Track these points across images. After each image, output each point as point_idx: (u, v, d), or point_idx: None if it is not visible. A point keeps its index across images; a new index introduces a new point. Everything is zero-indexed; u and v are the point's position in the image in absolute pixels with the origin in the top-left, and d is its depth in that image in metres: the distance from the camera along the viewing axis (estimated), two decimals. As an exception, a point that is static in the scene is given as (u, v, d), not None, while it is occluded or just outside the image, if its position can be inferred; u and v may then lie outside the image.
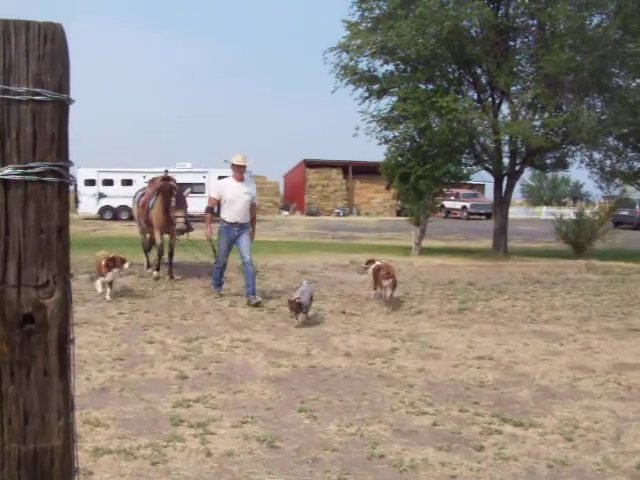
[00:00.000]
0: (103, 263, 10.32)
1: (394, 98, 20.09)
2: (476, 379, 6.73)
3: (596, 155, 23.12)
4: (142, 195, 13.62)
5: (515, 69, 19.55)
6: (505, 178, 21.31)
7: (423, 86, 19.72)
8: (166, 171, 13.61)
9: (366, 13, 19.51)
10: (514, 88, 19.76)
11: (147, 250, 13.71)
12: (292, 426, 5.23)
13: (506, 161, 21.12)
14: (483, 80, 20.63)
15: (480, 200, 50.06)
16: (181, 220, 12.10)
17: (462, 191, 46.99)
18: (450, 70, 20.50)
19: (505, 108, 20.70)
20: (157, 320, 8.97)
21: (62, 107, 1.25)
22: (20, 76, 1.20)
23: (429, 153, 19.13)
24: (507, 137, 19.73)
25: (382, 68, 20.25)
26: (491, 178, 22.58)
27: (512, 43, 20.06)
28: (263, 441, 4.85)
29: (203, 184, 34.48)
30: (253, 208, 10.89)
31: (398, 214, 43.77)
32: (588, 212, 22.68)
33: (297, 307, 8.73)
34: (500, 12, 19.53)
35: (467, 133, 19.35)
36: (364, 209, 52.01)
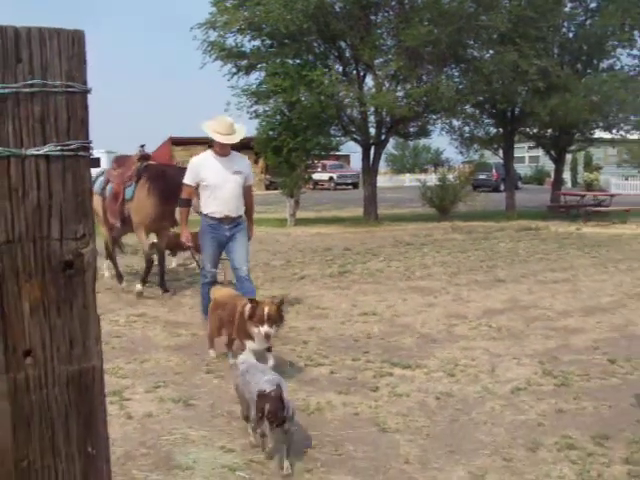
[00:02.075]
0: (248, 313, 5.61)
1: (263, 73, 20.43)
2: (363, 332, 7.33)
3: (455, 122, 24.59)
4: (107, 182, 9.71)
5: (377, 43, 20.30)
6: (372, 148, 22.17)
7: (290, 61, 20.15)
8: (142, 146, 9.86)
9: (232, -11, 19.68)
10: (377, 61, 20.53)
11: (112, 255, 10.39)
12: (202, 386, 5.60)
13: (372, 131, 21.99)
14: (348, 54, 21.32)
15: (346, 171, 51.26)
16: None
17: (329, 162, 47.85)
18: (316, 45, 21.03)
19: (370, 80, 21.52)
20: (47, 302, 8.97)
21: (86, 97, 1.58)
22: (55, 73, 1.51)
23: (299, 126, 19.61)
24: (373, 108, 20.54)
25: (250, 44, 20.55)
26: (357, 148, 23.43)
27: (374, 18, 20.80)
28: (178, 401, 5.18)
29: None
30: (248, 193, 7.39)
31: (267, 188, 44.15)
32: (450, 177, 24.04)
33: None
34: (362, -13, 20.15)
35: (335, 106, 19.98)
36: (233, 184, 52.02)
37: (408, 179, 53.67)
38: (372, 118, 21.68)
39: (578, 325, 7.49)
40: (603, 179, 37.10)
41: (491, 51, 20.65)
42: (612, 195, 25.01)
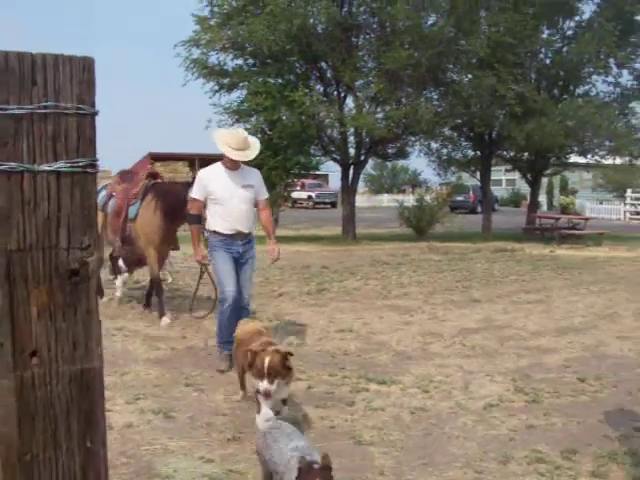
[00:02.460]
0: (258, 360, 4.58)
1: (244, 91, 20.62)
2: (340, 349, 7.45)
3: (434, 144, 24.97)
4: (110, 197, 9.12)
5: (358, 65, 20.53)
6: (351, 168, 22.39)
7: (272, 80, 20.36)
8: (152, 163, 9.21)
9: (216, 9, 19.89)
10: (358, 83, 20.74)
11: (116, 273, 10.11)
12: (182, 399, 5.69)
13: (352, 151, 22.21)
14: (329, 75, 21.53)
15: (325, 190, 51.54)
16: None
17: (307, 181, 48.14)
18: (298, 65, 21.26)
19: (350, 102, 21.71)
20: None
21: (94, 118, 1.72)
22: (67, 96, 1.64)
23: (280, 145, 19.78)
24: (352, 129, 20.78)
25: (232, 62, 20.74)
26: (336, 168, 23.64)
27: (355, 40, 21.06)
28: (158, 413, 5.27)
29: None
30: (264, 210, 6.97)
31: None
32: (428, 198, 24.34)
33: None
34: (344, 10, 20.42)
35: (315, 126, 20.18)
36: (213, 201, 51.97)
37: (386, 199, 54.06)
38: (352, 138, 21.92)
39: (550, 345, 7.69)
40: (578, 203, 37.68)
41: (470, 75, 20.97)
42: (587, 219, 25.44)
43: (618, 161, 27.02)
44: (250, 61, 20.62)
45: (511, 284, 12.38)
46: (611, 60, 23.45)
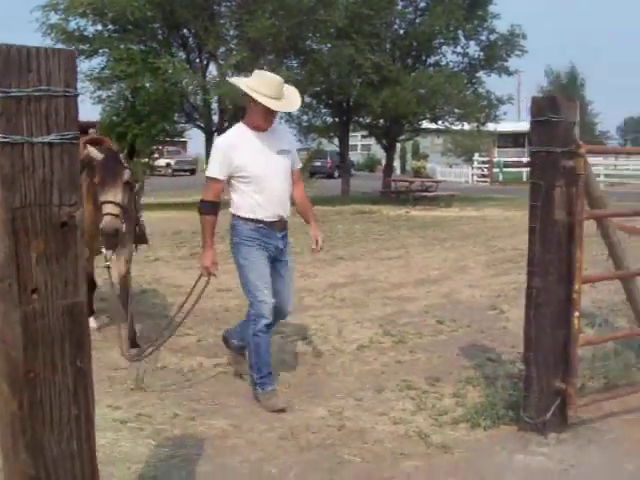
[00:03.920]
0: None
1: (106, 58, 20.26)
2: (222, 306, 7.93)
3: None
4: None
5: (221, 33, 20.71)
6: (215, 134, 22.58)
7: (135, 47, 20.13)
8: (94, 127, 6.89)
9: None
10: (221, 51, 20.96)
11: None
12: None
13: (215, 118, 22.42)
14: (191, 42, 21.57)
15: (183, 157, 51.04)
16: (110, 209, 5.42)
17: (166, 148, 47.46)
18: (160, 32, 21.12)
19: (213, 69, 21.88)
20: None
21: (77, 99, 2.11)
22: (56, 80, 2.04)
23: (144, 112, 19.69)
24: (216, 96, 20.98)
25: (92, 28, 20.29)
26: (193, 134, 23.71)
27: (217, 8, 21.18)
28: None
29: None
30: (298, 180, 5.21)
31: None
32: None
33: None
34: (206, -23, 20.47)
35: (178, 93, 20.22)
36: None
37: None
38: (215, 105, 22.10)
39: (411, 294, 8.54)
40: (429, 167, 39.62)
41: (329, 45, 21.70)
42: (438, 182, 27.00)
43: (466, 127, 28.79)
44: (111, 27, 20.25)
45: (372, 243, 13.28)
46: (460, 32, 24.91)
